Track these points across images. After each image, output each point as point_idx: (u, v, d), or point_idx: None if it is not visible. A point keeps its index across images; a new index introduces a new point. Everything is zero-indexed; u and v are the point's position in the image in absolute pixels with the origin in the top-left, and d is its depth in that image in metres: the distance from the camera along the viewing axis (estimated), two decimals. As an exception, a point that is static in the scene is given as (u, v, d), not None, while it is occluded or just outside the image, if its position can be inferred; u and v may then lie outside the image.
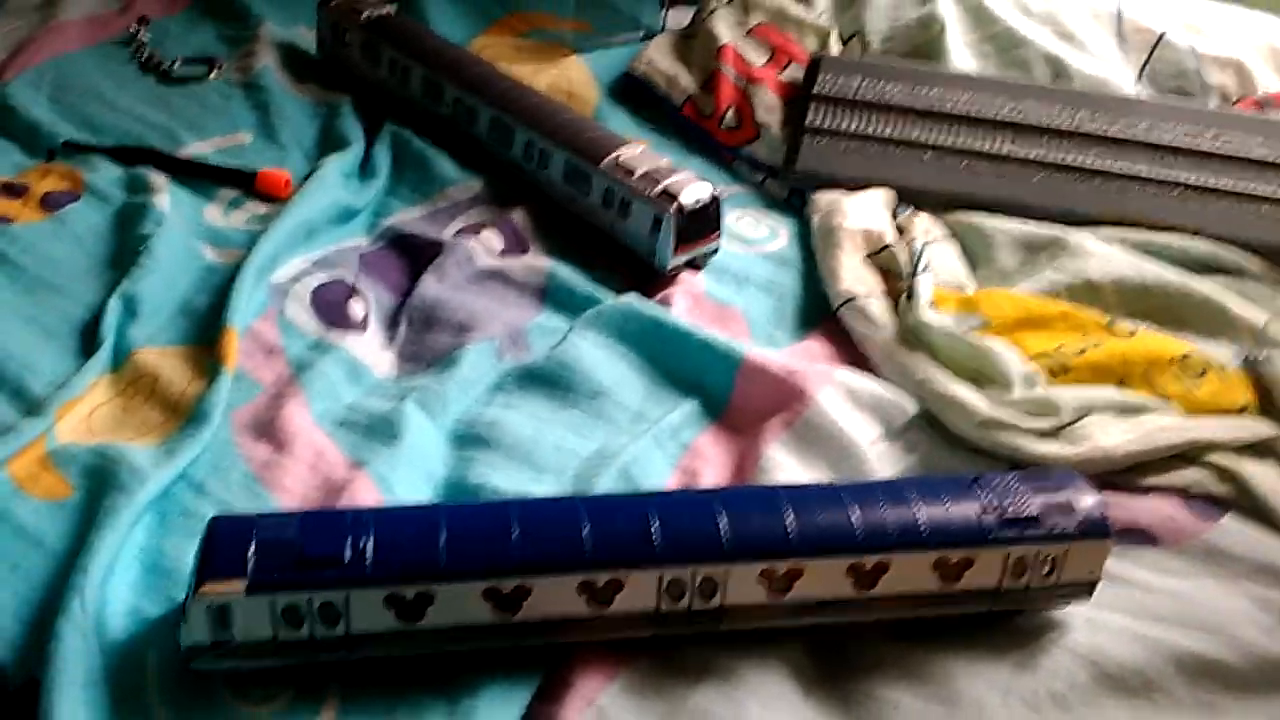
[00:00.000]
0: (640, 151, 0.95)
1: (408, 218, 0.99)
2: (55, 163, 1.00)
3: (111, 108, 1.08)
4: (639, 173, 0.92)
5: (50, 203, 0.94)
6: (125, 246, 0.89)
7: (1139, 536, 0.74)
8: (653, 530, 0.59)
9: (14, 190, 0.95)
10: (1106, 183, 1.02)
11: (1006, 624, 0.67)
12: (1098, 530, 0.64)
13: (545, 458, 0.76)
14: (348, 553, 0.57)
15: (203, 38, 1.21)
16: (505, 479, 0.73)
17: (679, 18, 1.27)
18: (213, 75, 1.15)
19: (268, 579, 0.56)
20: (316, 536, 0.58)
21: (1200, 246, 0.97)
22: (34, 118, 1.04)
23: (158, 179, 0.96)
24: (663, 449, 0.77)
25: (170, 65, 1.15)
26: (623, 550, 0.59)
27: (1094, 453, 0.77)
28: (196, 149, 1.04)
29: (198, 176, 1.00)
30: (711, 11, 1.20)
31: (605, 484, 0.73)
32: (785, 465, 0.76)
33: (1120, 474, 0.77)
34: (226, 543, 0.57)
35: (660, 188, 0.91)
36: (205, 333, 0.82)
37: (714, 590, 0.61)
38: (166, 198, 0.94)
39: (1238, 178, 1.01)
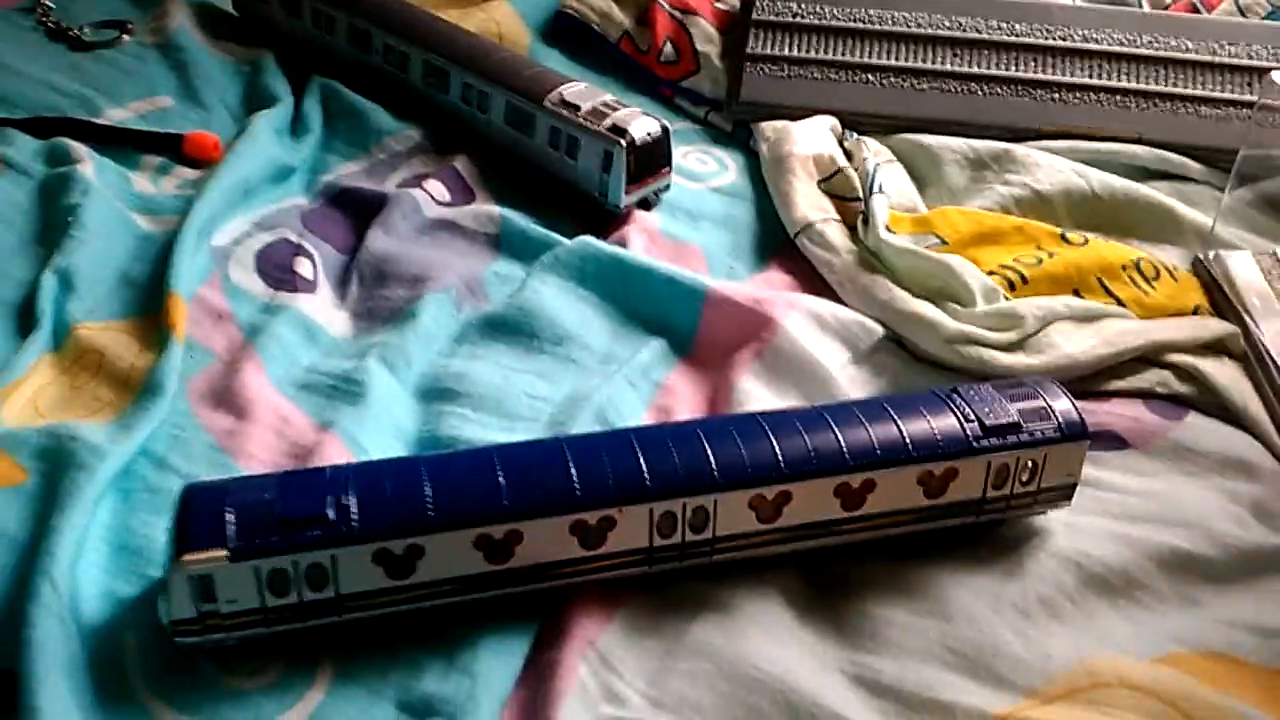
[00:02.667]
0: (584, 88, 0.93)
1: (346, 172, 0.96)
2: (-34, 139, 0.94)
3: (21, 78, 1.02)
4: (585, 109, 0.90)
5: (-35, 182, 0.89)
6: (52, 220, 0.85)
7: (1109, 440, 0.75)
8: (642, 465, 0.58)
9: (-76, 171, 0.90)
10: (1048, 94, 1.02)
11: (991, 535, 0.67)
12: (1076, 432, 0.65)
13: (517, 406, 0.74)
14: (331, 511, 0.55)
15: (110, 1, 1.15)
16: (478, 430, 0.72)
17: (607, -47, 1.24)
18: (125, 39, 1.09)
19: (251, 544, 0.54)
20: (296, 497, 0.56)
21: (1143, 152, 0.98)
22: (-63, 94, 0.98)
23: (79, 149, 0.91)
24: (635, 389, 0.76)
25: (79, 31, 1.09)
26: (613, 488, 0.58)
27: (1061, 360, 0.78)
28: (116, 116, 0.99)
29: (121, 144, 0.95)
30: (641, -55, 1.17)
31: (580, 428, 0.71)
32: (757, 395, 0.76)
33: (1083, 380, 0.78)
34: (202, 511, 0.55)
35: (608, 123, 0.89)
36: (148, 303, 0.79)
37: (705, 521, 0.60)
38: (91, 167, 0.89)
39: (1175, 81, 1.02)
